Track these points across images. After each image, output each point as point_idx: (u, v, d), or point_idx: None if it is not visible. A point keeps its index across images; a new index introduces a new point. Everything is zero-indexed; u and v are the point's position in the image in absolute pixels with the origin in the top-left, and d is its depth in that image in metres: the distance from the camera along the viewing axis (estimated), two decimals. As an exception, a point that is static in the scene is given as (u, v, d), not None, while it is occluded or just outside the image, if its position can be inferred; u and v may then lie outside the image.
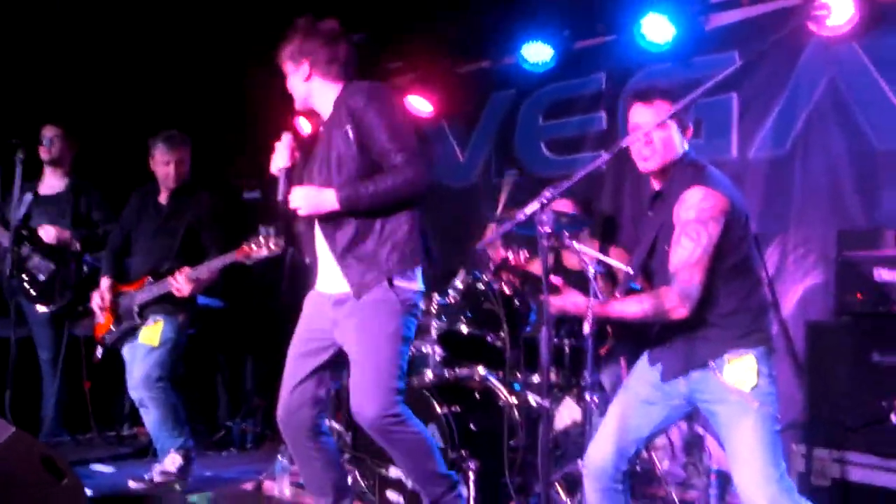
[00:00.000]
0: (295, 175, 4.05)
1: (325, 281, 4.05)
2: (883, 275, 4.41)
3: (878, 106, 5.32)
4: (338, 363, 4.09)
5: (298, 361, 4.08)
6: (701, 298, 3.43)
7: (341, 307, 3.93)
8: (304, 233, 4.17)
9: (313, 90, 4.05)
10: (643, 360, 3.74)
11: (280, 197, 3.98)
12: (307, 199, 3.84)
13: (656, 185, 3.73)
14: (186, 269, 5.32)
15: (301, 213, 3.89)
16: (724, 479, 4.56)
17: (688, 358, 3.52)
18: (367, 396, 3.80)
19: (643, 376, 3.71)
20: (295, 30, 4.05)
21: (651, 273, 3.68)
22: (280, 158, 4.04)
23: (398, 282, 3.83)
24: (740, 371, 3.44)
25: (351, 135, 3.82)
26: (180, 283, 5.30)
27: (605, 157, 3.60)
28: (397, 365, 3.84)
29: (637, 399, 3.70)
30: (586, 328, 3.58)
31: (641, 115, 3.65)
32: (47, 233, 6.01)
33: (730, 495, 4.53)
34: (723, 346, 3.48)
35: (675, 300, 3.40)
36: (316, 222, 4.02)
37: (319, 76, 4.01)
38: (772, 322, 3.72)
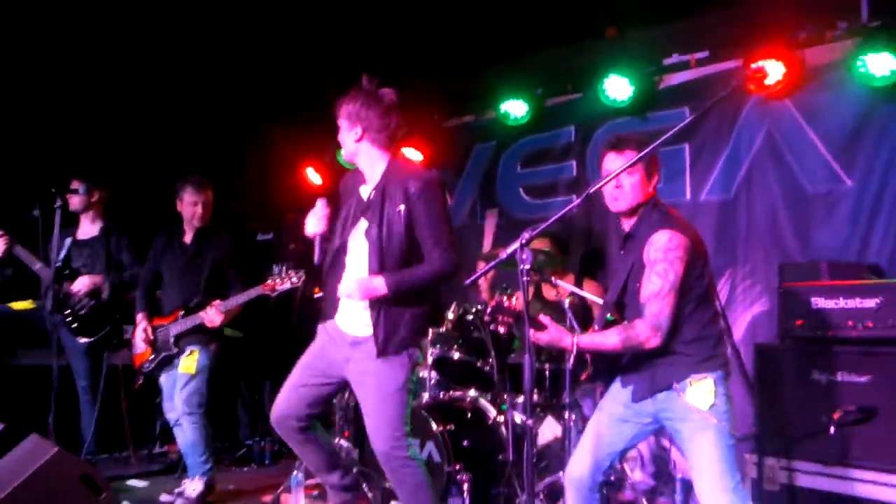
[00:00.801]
0: (328, 234, 4.09)
1: (345, 320, 4.04)
2: (819, 303, 4.43)
3: (808, 154, 5.39)
4: (333, 392, 4.18)
5: (300, 380, 4.10)
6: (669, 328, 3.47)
7: (357, 348, 3.95)
8: (329, 273, 4.14)
9: (361, 151, 4.02)
10: (616, 383, 3.74)
11: (317, 260, 4.05)
12: (360, 288, 3.85)
13: (626, 226, 3.73)
14: (217, 302, 5.34)
15: (353, 299, 3.89)
16: (688, 487, 4.56)
17: (654, 381, 3.53)
18: (379, 438, 3.89)
19: (616, 397, 3.71)
20: (358, 91, 4.01)
21: (623, 306, 3.67)
22: (314, 224, 4.05)
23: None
24: (701, 392, 3.46)
25: (403, 214, 3.85)
26: (211, 316, 5.31)
27: (577, 201, 3.59)
28: (404, 412, 3.90)
29: (611, 418, 3.70)
30: (570, 361, 3.61)
31: (614, 163, 3.65)
32: (81, 283, 5.96)
33: (693, 500, 4.53)
34: (686, 370, 3.49)
35: (648, 331, 3.41)
36: (344, 266, 4.05)
37: (369, 141, 3.99)
38: (727, 348, 3.73)
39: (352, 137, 4.01)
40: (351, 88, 4.06)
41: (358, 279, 3.87)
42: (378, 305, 3.86)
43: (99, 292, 6.02)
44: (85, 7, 6.36)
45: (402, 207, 3.85)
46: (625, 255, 3.74)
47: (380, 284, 3.81)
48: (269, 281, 5.11)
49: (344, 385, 4.12)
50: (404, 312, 3.89)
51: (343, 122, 4.04)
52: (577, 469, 3.72)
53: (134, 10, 6.51)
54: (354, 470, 5.27)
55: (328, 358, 4.08)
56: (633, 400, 3.61)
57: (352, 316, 4.00)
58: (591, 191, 3.50)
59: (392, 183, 3.93)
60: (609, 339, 3.51)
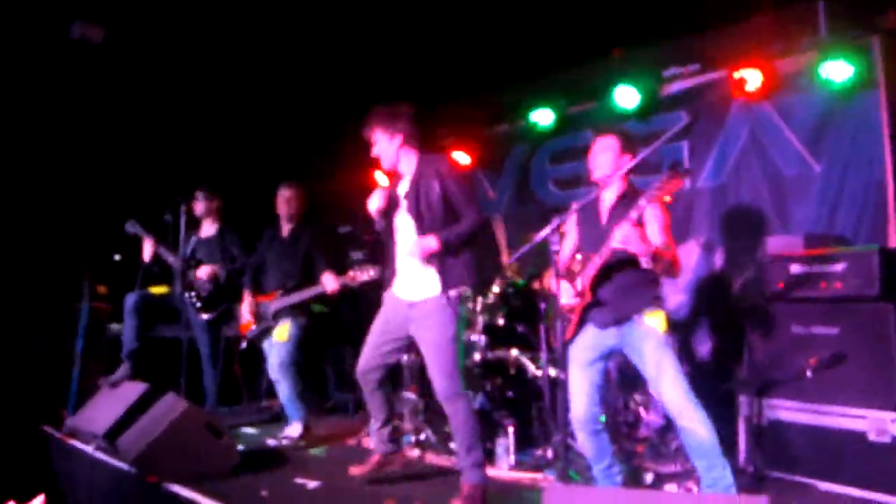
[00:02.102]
0: (386, 213, 4.26)
1: (404, 288, 4.20)
2: (796, 268, 4.42)
3: (783, 146, 5.36)
4: (402, 347, 4.31)
5: (377, 340, 4.29)
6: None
7: (415, 309, 4.12)
8: (388, 249, 4.35)
9: (401, 155, 4.22)
10: (581, 335, 3.87)
11: (378, 227, 4.25)
12: (419, 246, 4.02)
13: (615, 191, 3.89)
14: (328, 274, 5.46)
15: (416, 256, 4.05)
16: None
17: (621, 312, 3.73)
18: (439, 378, 4.03)
19: (581, 348, 3.86)
20: (381, 110, 4.19)
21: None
22: (375, 201, 4.20)
23: (453, 295, 4.03)
24: (657, 320, 3.68)
25: (438, 189, 4.06)
26: (330, 282, 5.42)
27: (595, 192, 3.80)
28: (456, 357, 4.03)
29: (583, 364, 3.84)
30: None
31: (598, 145, 3.95)
32: (203, 271, 6.14)
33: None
34: (646, 304, 3.71)
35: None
36: (395, 245, 4.25)
37: (406, 146, 4.20)
38: None
39: (394, 146, 4.17)
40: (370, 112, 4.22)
41: (416, 240, 4.04)
42: (435, 259, 4.03)
43: (217, 278, 6.19)
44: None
45: (435, 183, 4.05)
46: (621, 210, 3.77)
47: (432, 241, 4.00)
48: (350, 272, 5.26)
49: (409, 342, 4.26)
50: (456, 261, 4.06)
51: (381, 136, 4.18)
52: (577, 409, 3.82)
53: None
54: (421, 417, 5.44)
55: (394, 321, 4.24)
56: (606, 327, 3.77)
57: (407, 285, 4.17)
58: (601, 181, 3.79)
59: (424, 170, 4.12)
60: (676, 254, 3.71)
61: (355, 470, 4.49)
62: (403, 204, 4.20)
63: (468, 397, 4.08)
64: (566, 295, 3.90)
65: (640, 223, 3.65)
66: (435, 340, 4.03)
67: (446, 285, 4.02)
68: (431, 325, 4.04)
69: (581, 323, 3.87)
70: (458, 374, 4.02)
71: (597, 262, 3.73)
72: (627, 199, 3.78)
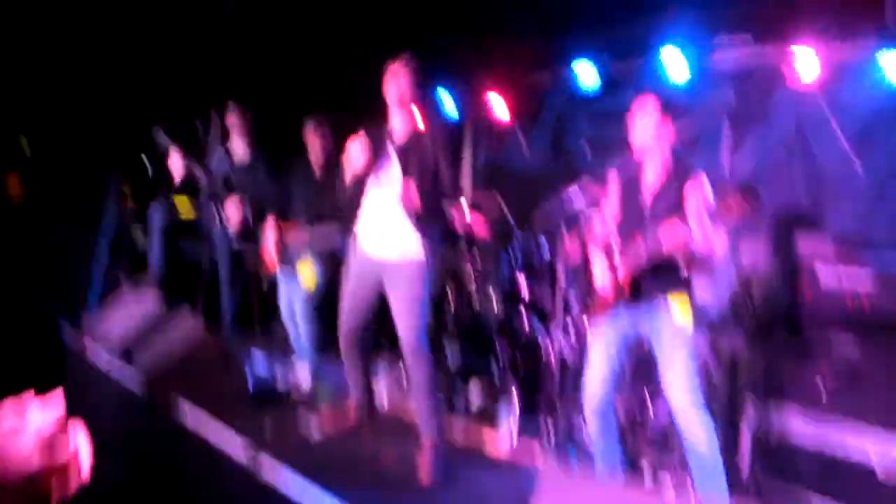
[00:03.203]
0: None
1: (374, 246, 4.18)
2: (824, 277, 4.33)
3: (828, 140, 5.17)
4: (378, 305, 4.30)
5: (352, 302, 4.27)
6: None
7: (390, 267, 4.11)
8: (353, 205, 4.27)
9: (409, 107, 4.17)
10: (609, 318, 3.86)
11: (351, 184, 4.18)
12: (407, 197, 4.02)
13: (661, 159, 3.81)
14: None
15: (401, 205, 4.05)
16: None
17: (649, 293, 3.71)
18: (407, 331, 4.03)
19: (608, 325, 3.86)
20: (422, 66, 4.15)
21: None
22: (360, 154, 4.09)
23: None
24: (679, 304, 3.62)
25: (431, 156, 4.05)
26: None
27: (636, 159, 3.78)
28: (426, 316, 4.10)
29: (607, 342, 3.84)
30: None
31: (641, 107, 3.87)
32: (234, 220, 6.01)
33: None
34: (671, 285, 3.67)
35: None
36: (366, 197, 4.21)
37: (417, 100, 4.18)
38: None
39: (412, 91, 4.13)
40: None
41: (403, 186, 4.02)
42: (415, 218, 4.05)
43: (247, 222, 6.06)
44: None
45: (430, 149, 4.08)
46: (669, 198, 3.74)
47: (416, 197, 4.01)
48: None
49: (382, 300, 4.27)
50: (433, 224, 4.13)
51: (410, 81, 4.11)
52: (592, 388, 3.84)
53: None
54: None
55: (366, 278, 4.22)
56: (629, 307, 3.75)
57: (380, 240, 4.15)
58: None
59: (423, 132, 4.14)
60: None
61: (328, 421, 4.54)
62: (395, 159, 4.13)
63: (430, 353, 4.11)
64: (601, 277, 3.85)
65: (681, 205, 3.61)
66: (408, 297, 4.06)
67: (425, 244, 4.06)
68: (408, 284, 4.06)
69: (612, 313, 3.84)
70: (425, 332, 4.08)
71: (641, 259, 3.67)
72: (676, 185, 3.70)
